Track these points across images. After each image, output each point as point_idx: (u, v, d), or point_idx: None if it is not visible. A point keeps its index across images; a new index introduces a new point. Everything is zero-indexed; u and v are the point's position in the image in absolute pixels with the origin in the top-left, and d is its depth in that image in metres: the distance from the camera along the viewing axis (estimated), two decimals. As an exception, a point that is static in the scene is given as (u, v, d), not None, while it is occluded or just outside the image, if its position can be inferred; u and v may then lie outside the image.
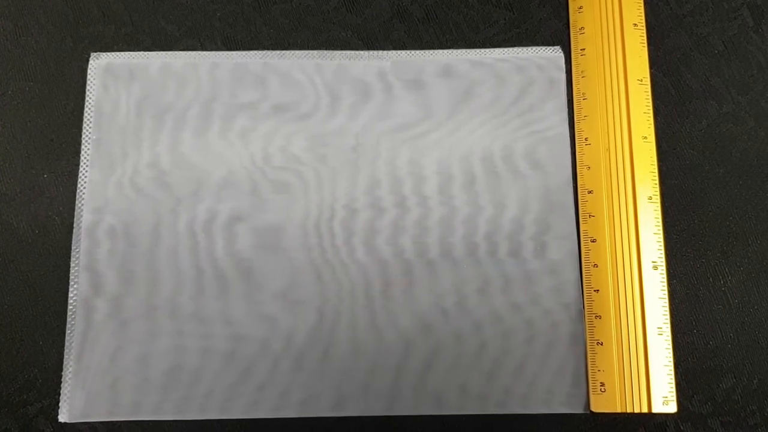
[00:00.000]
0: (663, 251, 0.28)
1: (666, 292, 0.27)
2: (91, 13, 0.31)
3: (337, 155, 0.29)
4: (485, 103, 0.30)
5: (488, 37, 0.31)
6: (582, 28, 0.31)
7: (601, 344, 0.27)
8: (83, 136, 0.29)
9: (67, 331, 0.27)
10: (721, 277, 0.29)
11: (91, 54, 0.30)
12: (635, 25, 0.30)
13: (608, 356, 0.27)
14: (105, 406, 0.27)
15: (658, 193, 0.28)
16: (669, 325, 0.27)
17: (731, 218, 0.29)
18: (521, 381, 0.27)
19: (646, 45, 0.30)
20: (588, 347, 0.27)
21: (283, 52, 0.31)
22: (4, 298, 0.28)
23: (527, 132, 0.30)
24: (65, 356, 0.27)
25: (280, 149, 0.29)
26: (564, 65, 0.30)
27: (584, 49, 0.30)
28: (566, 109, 0.30)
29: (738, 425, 0.27)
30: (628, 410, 0.26)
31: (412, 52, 0.31)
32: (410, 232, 0.29)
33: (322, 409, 0.27)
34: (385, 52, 0.31)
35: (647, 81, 0.30)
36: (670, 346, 0.27)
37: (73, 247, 0.28)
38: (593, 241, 0.28)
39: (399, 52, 0.31)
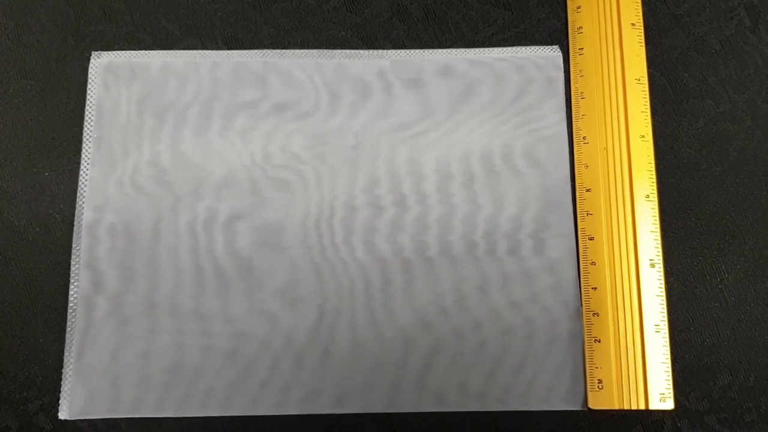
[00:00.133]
0: (660, 249, 0.28)
1: (663, 289, 0.28)
2: (93, 12, 0.31)
3: (337, 154, 0.30)
4: (484, 102, 0.30)
5: (487, 37, 0.31)
6: (580, 27, 0.31)
7: (599, 341, 0.27)
8: (84, 134, 0.30)
9: (68, 329, 0.28)
10: (717, 274, 0.29)
11: (92, 53, 0.31)
12: (633, 24, 0.30)
13: (606, 353, 0.27)
14: (105, 404, 0.27)
15: (655, 191, 0.29)
16: (666, 323, 0.27)
17: (728, 216, 0.29)
18: (520, 378, 0.27)
19: (643, 44, 0.30)
20: (586, 344, 0.27)
21: (284, 51, 0.31)
22: (5, 295, 0.28)
23: (526, 131, 0.30)
24: (65, 353, 0.27)
25: (280, 148, 0.30)
26: (562, 64, 0.31)
27: (582, 48, 0.31)
28: (564, 108, 0.30)
29: (734, 422, 0.27)
30: (626, 407, 0.27)
31: (412, 51, 0.31)
32: (409, 230, 0.29)
33: (323, 407, 0.27)
34: (384, 51, 0.31)
35: (645, 80, 0.30)
36: (668, 344, 0.27)
37: (73, 245, 0.28)
38: (591, 238, 0.28)
39: (398, 51, 0.31)
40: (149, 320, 0.28)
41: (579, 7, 0.31)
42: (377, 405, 0.27)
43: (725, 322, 0.28)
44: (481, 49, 0.31)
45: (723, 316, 0.28)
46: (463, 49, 0.31)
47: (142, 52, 0.31)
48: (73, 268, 0.28)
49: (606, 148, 0.29)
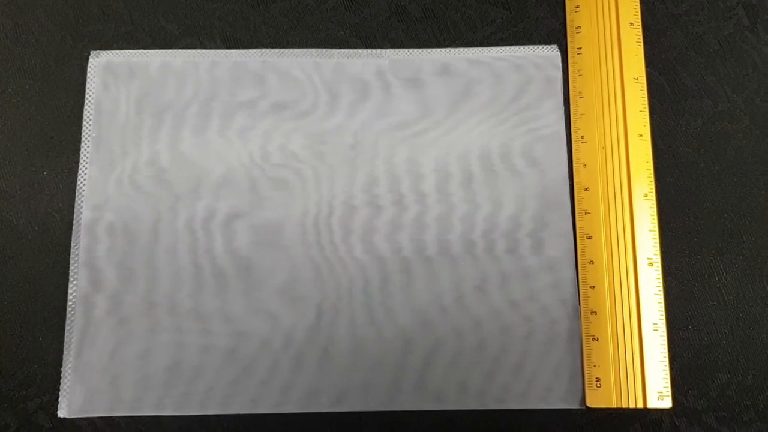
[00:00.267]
0: (658, 248, 0.28)
1: (661, 288, 0.28)
2: (91, 12, 0.31)
3: (336, 153, 0.30)
4: (483, 101, 0.30)
5: (486, 36, 0.31)
6: (579, 27, 0.31)
7: (597, 340, 0.27)
8: (83, 133, 0.30)
9: (67, 328, 0.28)
10: (715, 273, 0.29)
11: (91, 52, 0.31)
12: (631, 24, 0.31)
13: (604, 352, 0.27)
14: (104, 402, 0.27)
15: (653, 190, 0.29)
16: (664, 321, 0.27)
17: (726, 215, 0.29)
18: (519, 377, 0.27)
19: (642, 44, 0.30)
20: (584, 343, 0.27)
21: (282, 50, 0.31)
22: (4, 294, 0.28)
23: (524, 130, 0.30)
24: (64, 352, 0.27)
25: (279, 147, 0.30)
26: (561, 64, 0.31)
27: (581, 47, 0.31)
28: (563, 108, 0.30)
29: (732, 420, 0.28)
30: (624, 405, 0.27)
31: (410, 50, 0.31)
32: (408, 229, 0.29)
33: (323, 405, 0.27)
34: (383, 50, 0.31)
35: (643, 79, 0.30)
36: (665, 342, 0.27)
37: (72, 244, 0.28)
38: (589, 237, 0.28)
39: (397, 50, 0.31)
40: (148, 319, 0.28)
41: (577, 7, 0.31)
42: (377, 403, 0.27)
43: (723, 321, 0.28)
44: (480, 49, 0.31)
45: (721, 314, 0.28)
46: (461, 49, 0.31)
47: (140, 51, 0.31)
48: (72, 267, 0.28)
49: (604, 148, 0.29)
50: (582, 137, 0.30)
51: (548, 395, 0.27)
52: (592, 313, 0.28)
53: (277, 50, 0.31)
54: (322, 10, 0.32)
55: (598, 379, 0.27)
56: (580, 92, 0.30)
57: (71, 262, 0.28)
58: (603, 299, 0.28)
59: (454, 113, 0.30)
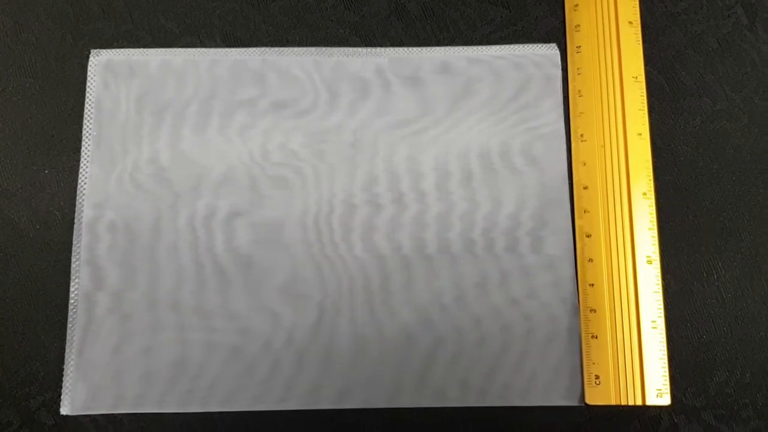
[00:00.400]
0: (657, 246, 0.28)
1: (660, 286, 0.28)
2: (92, 10, 0.31)
3: (336, 151, 0.30)
4: (483, 99, 0.30)
5: (485, 35, 0.31)
6: (578, 25, 0.31)
7: (596, 338, 0.27)
8: (83, 132, 0.30)
9: (69, 325, 0.28)
10: (714, 271, 0.29)
11: (92, 51, 0.31)
12: (630, 22, 0.31)
13: (603, 349, 0.27)
14: (106, 399, 0.27)
15: (652, 188, 0.29)
16: (663, 319, 0.27)
17: (725, 214, 0.29)
18: (519, 374, 0.27)
19: (641, 42, 0.30)
20: (583, 341, 0.28)
21: (282, 49, 0.31)
22: (6, 292, 0.29)
23: (524, 128, 0.30)
24: (66, 350, 0.28)
25: (279, 146, 0.30)
26: (560, 62, 0.31)
27: (580, 46, 0.31)
28: (562, 106, 0.30)
29: (731, 418, 0.28)
30: (623, 403, 0.27)
31: (410, 49, 0.31)
32: (408, 227, 0.29)
33: (324, 402, 0.27)
34: (382, 49, 0.31)
35: (642, 78, 0.30)
36: (664, 340, 0.27)
37: (74, 242, 0.29)
38: (588, 236, 0.29)
39: (396, 49, 0.31)
40: (150, 316, 0.28)
41: (576, 5, 0.31)
42: (378, 400, 0.27)
43: (722, 319, 0.29)
44: (480, 47, 0.31)
45: (720, 312, 0.29)
46: (461, 47, 0.31)
47: (140, 50, 0.31)
48: (73, 265, 0.28)
49: (603, 146, 0.29)
50: (581, 136, 0.30)
51: (548, 392, 0.27)
52: (591, 310, 0.28)
53: (276, 49, 0.31)
54: (321, 9, 0.32)
55: (597, 377, 0.27)
56: (579, 91, 0.30)
57: (73, 260, 0.28)
58: (602, 297, 0.28)
59: (453, 111, 0.30)
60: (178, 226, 0.29)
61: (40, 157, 0.30)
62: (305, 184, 0.29)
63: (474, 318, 0.28)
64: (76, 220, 0.29)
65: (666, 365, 0.27)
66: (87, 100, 0.30)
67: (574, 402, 0.27)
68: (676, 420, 0.28)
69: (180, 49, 0.31)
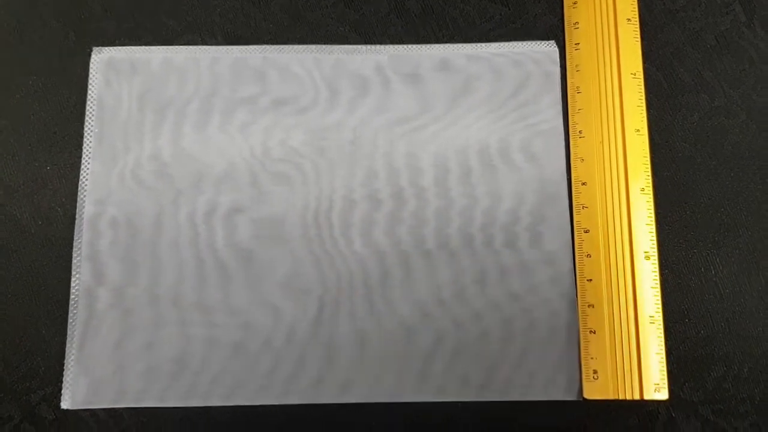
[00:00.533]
0: (655, 242, 0.28)
1: (658, 281, 0.28)
2: (94, 9, 0.32)
3: (336, 148, 0.30)
4: (482, 96, 0.30)
5: (484, 32, 0.32)
6: (576, 23, 0.31)
7: (594, 333, 0.28)
8: (85, 129, 0.30)
9: (70, 320, 0.28)
10: (712, 267, 0.29)
11: (93, 48, 0.31)
12: (629, 19, 0.31)
13: (601, 344, 0.27)
14: (107, 394, 0.27)
15: (650, 184, 0.29)
16: (661, 314, 0.28)
17: (722, 209, 0.30)
18: (517, 369, 0.28)
19: (639, 39, 0.31)
20: (581, 335, 0.28)
21: (282, 46, 0.31)
22: (8, 287, 0.29)
23: (523, 125, 0.30)
24: (67, 345, 0.28)
25: (280, 142, 0.30)
26: (559, 59, 0.31)
27: (578, 43, 0.31)
28: (561, 103, 0.30)
29: (728, 413, 0.28)
30: (621, 397, 0.27)
31: (409, 46, 0.31)
32: (407, 223, 0.29)
33: (325, 396, 0.27)
34: (382, 46, 0.31)
35: (640, 75, 0.30)
36: (662, 335, 0.27)
37: (75, 238, 0.29)
38: (586, 231, 0.29)
39: (396, 46, 0.31)
40: (151, 312, 0.28)
41: (575, 3, 0.31)
42: (379, 395, 0.27)
43: (719, 314, 0.29)
44: (479, 45, 0.31)
45: (717, 307, 0.29)
46: (460, 45, 0.31)
47: (142, 47, 0.31)
48: (74, 261, 0.29)
49: (602, 142, 0.29)
50: (580, 132, 0.30)
51: (545, 387, 0.27)
52: (589, 306, 0.28)
53: (277, 46, 0.31)
54: (321, 7, 0.32)
55: (595, 371, 0.27)
56: (577, 87, 0.30)
57: (74, 255, 0.29)
58: (600, 292, 0.28)
59: (453, 108, 0.30)
60: (179, 222, 0.29)
61: (42, 154, 0.30)
62: (305, 181, 0.29)
63: (474, 313, 0.28)
64: (77, 216, 0.29)
65: (664, 360, 0.27)
66: (89, 97, 0.30)
67: (571, 396, 0.27)
68: (673, 414, 0.28)
69: (181, 46, 0.31)
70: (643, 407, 0.28)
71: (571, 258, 0.29)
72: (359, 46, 0.31)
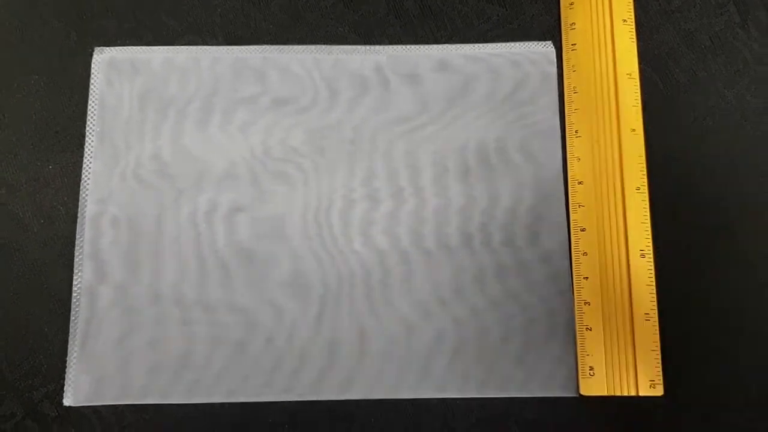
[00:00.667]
0: (650, 240, 0.29)
1: (653, 279, 0.28)
2: (95, 8, 0.32)
3: (335, 148, 0.30)
4: (480, 97, 0.31)
5: (482, 33, 0.32)
6: (573, 23, 0.31)
7: (590, 330, 0.28)
8: (87, 128, 0.30)
9: (72, 318, 0.28)
10: (707, 265, 0.29)
11: (95, 48, 0.31)
12: (624, 20, 0.31)
13: (597, 341, 0.28)
14: (109, 391, 0.28)
15: (645, 183, 0.29)
16: (656, 312, 0.28)
17: (717, 208, 0.30)
18: (516, 365, 0.28)
19: (635, 40, 0.31)
20: (577, 332, 0.28)
21: (282, 47, 0.31)
22: (10, 286, 0.29)
23: (520, 125, 0.30)
24: (69, 342, 0.28)
25: (280, 142, 0.30)
26: (555, 60, 0.31)
27: (575, 44, 0.31)
28: (558, 103, 0.31)
29: (723, 409, 0.28)
30: (616, 393, 0.27)
31: (408, 47, 0.31)
32: (406, 222, 0.29)
33: (326, 394, 0.28)
34: (381, 47, 0.31)
35: (636, 75, 0.30)
36: (657, 332, 0.28)
37: (77, 237, 0.29)
38: (583, 230, 0.29)
39: (395, 47, 0.31)
40: (152, 310, 0.28)
41: (572, 4, 0.32)
42: (379, 392, 0.28)
43: (714, 312, 0.29)
44: (477, 45, 0.31)
45: (712, 305, 0.29)
46: (458, 45, 0.31)
47: (143, 47, 0.31)
48: (76, 259, 0.29)
49: (598, 142, 0.30)
50: (576, 132, 0.30)
51: (543, 383, 0.28)
52: (585, 303, 0.28)
53: (277, 47, 0.31)
54: (321, 7, 0.32)
55: (591, 368, 0.28)
56: (574, 88, 0.31)
57: (76, 254, 0.29)
58: (596, 290, 0.28)
59: (451, 108, 0.31)
60: (180, 221, 0.29)
61: (44, 153, 0.30)
62: (306, 180, 0.30)
63: (473, 311, 0.28)
64: (79, 215, 0.29)
65: (659, 357, 0.28)
66: (91, 97, 0.30)
67: (567, 393, 0.28)
68: (669, 410, 0.28)
69: (182, 47, 0.31)
70: (638, 403, 0.28)
71: (568, 256, 0.29)
72: (358, 47, 0.31)
